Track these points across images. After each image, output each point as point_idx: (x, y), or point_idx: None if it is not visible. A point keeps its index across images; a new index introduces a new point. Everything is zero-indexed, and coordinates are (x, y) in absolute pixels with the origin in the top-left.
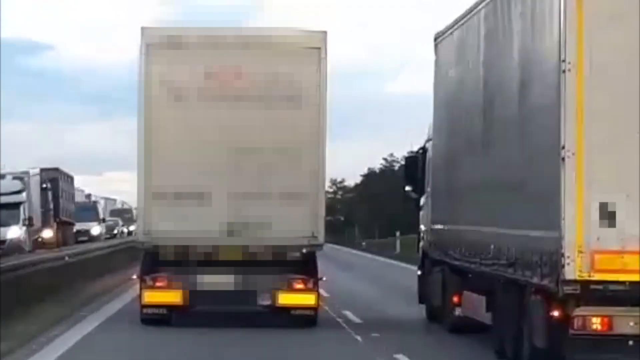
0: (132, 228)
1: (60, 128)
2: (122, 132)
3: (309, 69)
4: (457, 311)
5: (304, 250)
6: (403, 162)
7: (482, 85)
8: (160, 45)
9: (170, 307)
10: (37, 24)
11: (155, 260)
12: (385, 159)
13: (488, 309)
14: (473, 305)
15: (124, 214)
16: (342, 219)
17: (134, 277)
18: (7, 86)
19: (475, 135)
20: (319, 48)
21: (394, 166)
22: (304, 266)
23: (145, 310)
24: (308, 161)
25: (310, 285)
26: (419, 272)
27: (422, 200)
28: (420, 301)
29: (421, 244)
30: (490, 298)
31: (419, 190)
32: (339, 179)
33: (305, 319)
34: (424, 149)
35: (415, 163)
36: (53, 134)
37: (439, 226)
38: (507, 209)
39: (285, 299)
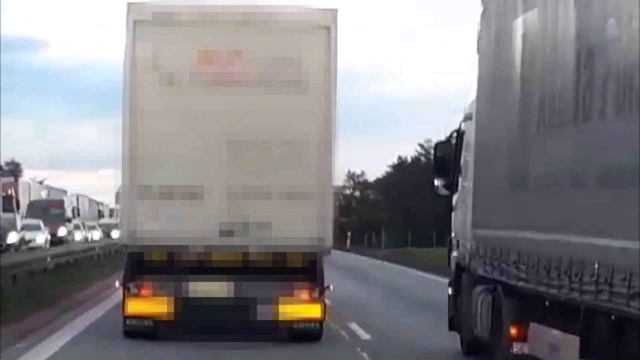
0: (63, 233)
1: (56, 125)
2: (119, 128)
3: (317, 51)
4: (517, 347)
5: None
6: (433, 151)
7: (573, 32)
8: (149, 22)
9: (157, 319)
10: (32, 21)
11: (141, 265)
12: (421, 145)
13: (584, 354)
14: (552, 345)
15: (51, 210)
16: (347, 219)
17: (117, 284)
18: (2, 83)
19: (561, 104)
20: (329, 27)
21: (430, 154)
22: (308, 273)
23: (128, 322)
24: (315, 155)
25: (315, 294)
26: (451, 291)
27: (455, 199)
28: (452, 328)
29: (454, 254)
30: (588, 339)
31: (452, 185)
32: (357, 172)
33: (308, 334)
34: (459, 132)
35: (448, 151)
36: (49, 131)
37: (487, 232)
38: (630, 210)
39: (287, 309)
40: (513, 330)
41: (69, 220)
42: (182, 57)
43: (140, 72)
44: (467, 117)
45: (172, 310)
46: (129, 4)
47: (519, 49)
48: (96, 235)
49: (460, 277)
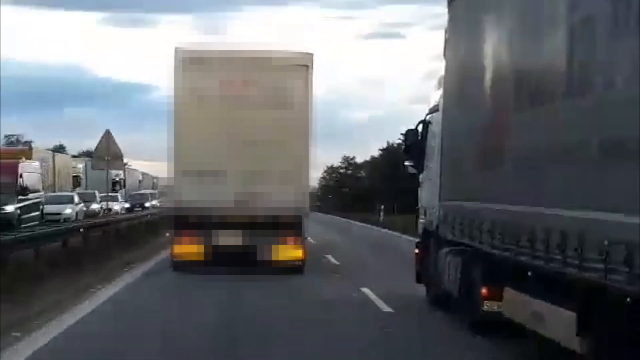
0: (10, 209)
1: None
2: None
3: (299, 82)
4: (486, 306)
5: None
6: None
7: (565, 3)
8: (189, 60)
9: (193, 259)
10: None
11: (183, 223)
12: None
13: (582, 333)
14: (537, 313)
15: None
16: (330, 196)
17: (167, 234)
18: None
19: (554, 78)
20: (307, 66)
21: None
22: (294, 228)
23: (175, 260)
24: (297, 149)
25: (298, 242)
26: (417, 250)
27: (422, 177)
28: (419, 280)
29: (420, 220)
30: (587, 317)
31: (419, 166)
32: (351, 156)
33: (294, 269)
34: (424, 122)
35: (415, 137)
36: None
37: (456, 203)
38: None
39: (279, 252)
40: (484, 290)
41: (23, 192)
42: (211, 84)
43: (183, 93)
44: (433, 110)
45: (202, 253)
46: (176, 48)
47: (494, 10)
48: (95, 206)
49: (428, 239)
